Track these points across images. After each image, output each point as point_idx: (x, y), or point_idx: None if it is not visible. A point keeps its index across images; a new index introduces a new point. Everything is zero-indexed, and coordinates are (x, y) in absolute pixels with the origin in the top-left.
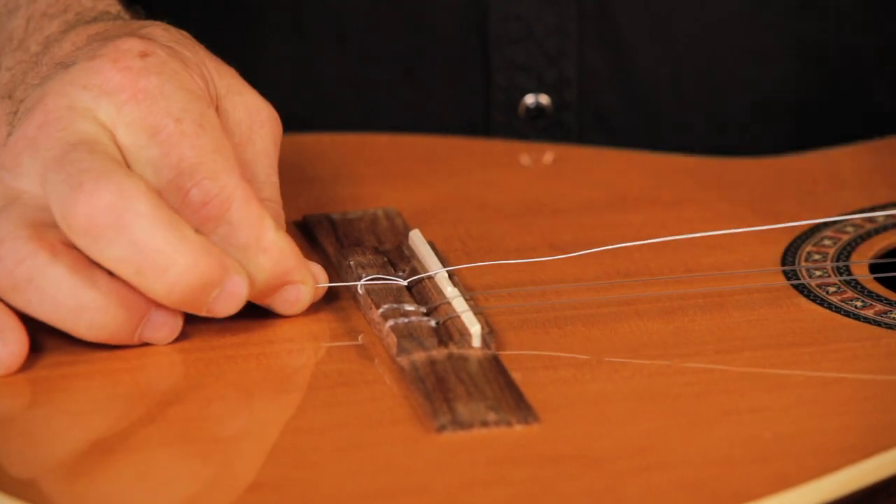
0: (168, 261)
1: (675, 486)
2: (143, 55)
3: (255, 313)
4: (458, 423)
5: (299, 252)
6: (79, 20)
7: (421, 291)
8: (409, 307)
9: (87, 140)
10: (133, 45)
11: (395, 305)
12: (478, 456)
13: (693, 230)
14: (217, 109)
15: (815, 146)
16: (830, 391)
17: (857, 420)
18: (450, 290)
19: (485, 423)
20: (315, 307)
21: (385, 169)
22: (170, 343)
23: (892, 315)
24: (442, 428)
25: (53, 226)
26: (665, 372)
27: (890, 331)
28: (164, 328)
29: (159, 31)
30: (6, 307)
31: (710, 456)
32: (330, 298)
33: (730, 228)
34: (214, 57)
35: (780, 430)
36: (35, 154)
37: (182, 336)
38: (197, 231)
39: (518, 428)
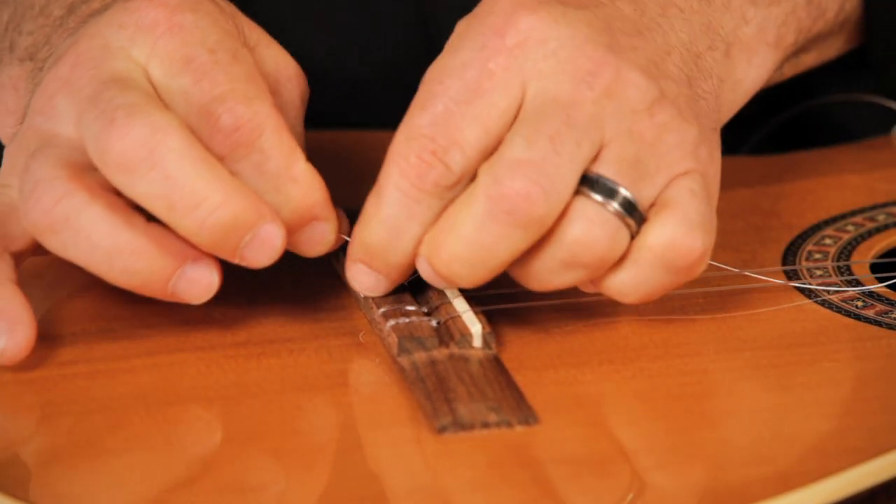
0: (199, 196)
1: (676, 488)
2: None
3: (255, 312)
4: (459, 424)
5: (327, 189)
6: None
7: (422, 291)
8: (410, 307)
9: (120, 77)
10: None
11: (396, 305)
12: (478, 457)
13: None
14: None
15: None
16: (831, 392)
17: (857, 421)
18: (450, 290)
19: (486, 424)
20: (315, 307)
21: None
22: (170, 342)
23: (893, 315)
24: (443, 429)
25: (91, 168)
26: (665, 372)
27: (890, 331)
28: (199, 285)
29: None
30: (23, 297)
31: (710, 457)
32: (330, 298)
33: (731, 227)
34: (245, 16)
35: (781, 430)
36: (70, 94)
37: (183, 335)
38: (227, 157)
39: (519, 429)
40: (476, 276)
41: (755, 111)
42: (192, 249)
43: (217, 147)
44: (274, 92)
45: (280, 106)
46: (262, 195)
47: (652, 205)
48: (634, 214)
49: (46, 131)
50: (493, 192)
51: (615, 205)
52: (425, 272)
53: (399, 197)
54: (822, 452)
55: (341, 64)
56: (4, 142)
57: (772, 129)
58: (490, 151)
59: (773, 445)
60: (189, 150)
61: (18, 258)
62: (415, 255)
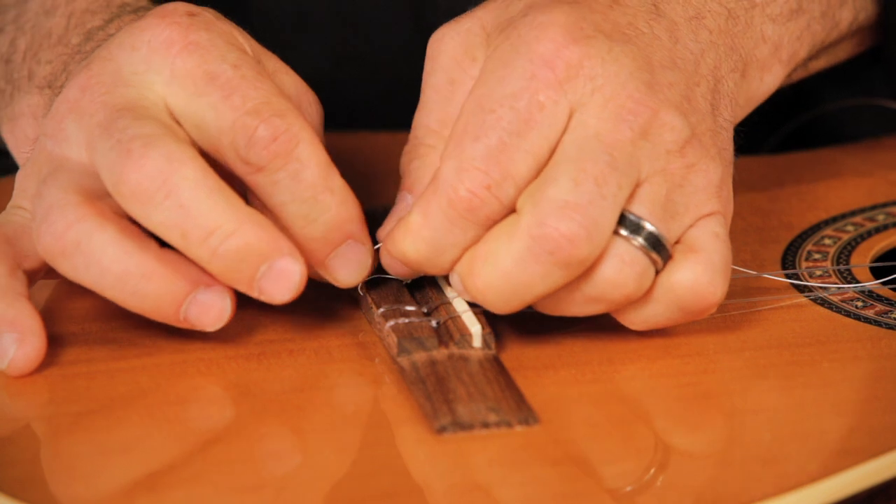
0: (212, 224)
1: (676, 488)
2: (191, 14)
3: (255, 312)
4: (459, 425)
5: (362, 210)
6: (122, 11)
7: (421, 291)
8: (410, 307)
9: (132, 104)
10: (179, 6)
11: (396, 305)
12: (478, 457)
13: None
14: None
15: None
16: (831, 392)
17: (857, 422)
18: (450, 291)
19: (485, 425)
20: (315, 307)
21: (385, 167)
22: (170, 342)
23: (893, 315)
24: (442, 429)
25: (103, 193)
26: (665, 373)
27: (890, 331)
28: (211, 310)
29: (209, 13)
30: (34, 311)
31: (710, 457)
32: (330, 298)
33: (731, 227)
34: (258, 44)
35: (781, 431)
36: (79, 119)
37: (182, 335)
38: (265, 168)
39: (519, 429)
40: (508, 305)
41: (767, 117)
42: (206, 276)
43: (254, 158)
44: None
45: None
46: (300, 205)
47: (677, 242)
48: (662, 253)
49: (57, 156)
50: (537, 233)
51: (645, 243)
52: (457, 286)
53: (445, 223)
54: (821, 453)
55: (341, 72)
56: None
57: (784, 135)
58: (533, 180)
59: (772, 446)
60: (204, 180)
61: (31, 276)
62: (450, 269)
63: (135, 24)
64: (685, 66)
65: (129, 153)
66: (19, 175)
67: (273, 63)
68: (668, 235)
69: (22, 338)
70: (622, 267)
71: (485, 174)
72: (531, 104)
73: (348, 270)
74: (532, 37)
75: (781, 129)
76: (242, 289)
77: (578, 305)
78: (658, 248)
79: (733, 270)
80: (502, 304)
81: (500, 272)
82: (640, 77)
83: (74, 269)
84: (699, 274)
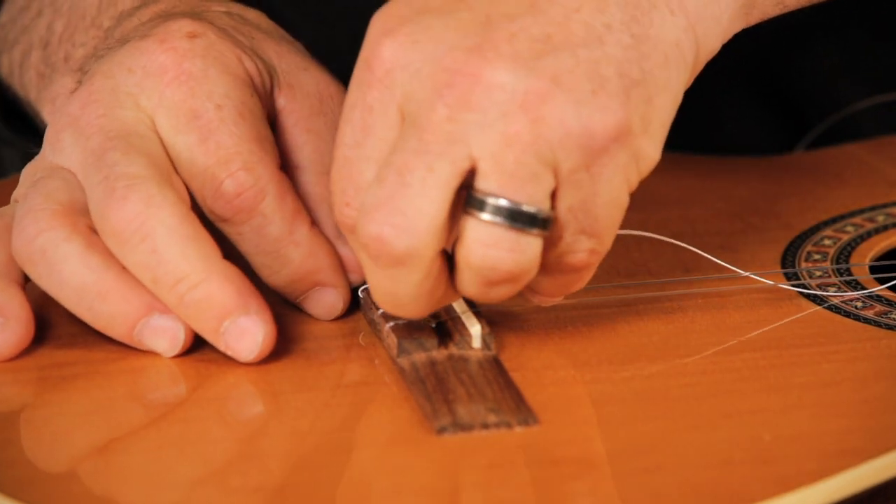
0: (181, 272)
1: (675, 488)
2: (192, 36)
3: None
4: (459, 425)
5: (335, 255)
6: None
7: None
8: None
9: (125, 132)
10: (182, 25)
11: None
12: (478, 458)
13: (694, 229)
14: (284, 86)
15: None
16: (830, 393)
17: (857, 422)
18: None
19: (485, 425)
20: None
21: None
22: None
23: (892, 316)
24: (442, 430)
25: (86, 209)
26: (665, 373)
27: (890, 332)
28: (164, 335)
29: (220, 12)
30: (24, 299)
31: (709, 458)
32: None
33: (731, 227)
34: (279, 39)
35: (780, 431)
36: (76, 136)
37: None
38: (229, 221)
39: (518, 430)
40: (409, 313)
41: (795, 121)
42: (163, 303)
43: (219, 211)
44: (318, 112)
45: (325, 126)
46: (264, 258)
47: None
48: (534, 221)
49: (51, 163)
50: (360, 244)
51: (499, 217)
52: None
53: (360, 255)
54: (820, 453)
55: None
56: None
57: (813, 138)
58: None
59: (772, 446)
60: (179, 228)
61: None
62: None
63: (137, 43)
64: (550, 3)
65: (112, 192)
66: (23, 172)
67: (290, 60)
68: (531, 199)
69: (5, 323)
70: (479, 247)
71: (341, 193)
72: (363, 110)
73: (319, 311)
74: (365, 44)
75: (810, 133)
76: (210, 340)
77: (489, 292)
78: (519, 218)
79: (716, 269)
80: (404, 313)
81: (372, 288)
82: (462, 44)
83: (38, 276)
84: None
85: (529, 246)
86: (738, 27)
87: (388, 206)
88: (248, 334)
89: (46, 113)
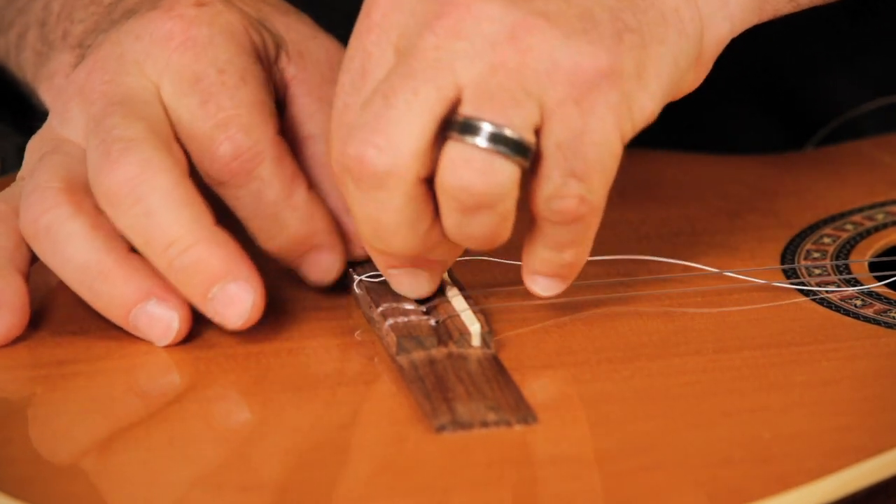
0: (172, 235)
1: (675, 487)
2: (199, 4)
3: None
4: (458, 424)
5: (331, 219)
6: None
7: None
8: (409, 306)
9: (127, 97)
10: None
11: (395, 304)
12: (477, 456)
13: (693, 228)
14: (294, 55)
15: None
16: (830, 391)
17: (856, 420)
18: (449, 289)
19: (484, 424)
20: (315, 306)
21: None
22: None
23: (892, 314)
24: (442, 428)
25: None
26: (665, 372)
27: (889, 330)
28: (159, 323)
29: (220, 3)
30: (23, 288)
31: (709, 456)
32: (330, 297)
33: (730, 226)
34: (286, 10)
35: (780, 430)
36: (82, 103)
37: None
38: (227, 184)
39: (518, 428)
40: (395, 246)
41: (799, 124)
42: (162, 289)
43: (216, 173)
44: (329, 80)
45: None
46: (261, 222)
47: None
48: (512, 145)
49: (58, 135)
50: (339, 167)
51: (480, 140)
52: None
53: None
54: (820, 452)
55: None
56: None
57: (818, 141)
58: None
59: (771, 444)
60: (173, 191)
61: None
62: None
63: (145, 13)
64: None
65: (107, 155)
66: (28, 146)
67: (297, 30)
68: (512, 124)
69: None
70: (453, 167)
71: (339, 139)
72: (362, 57)
73: (316, 275)
74: None
75: (814, 136)
76: (197, 305)
77: (466, 224)
78: (495, 139)
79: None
80: (386, 246)
81: (357, 218)
82: None
83: (43, 253)
84: (546, 182)
85: (503, 169)
86: (750, 20)
87: (371, 127)
88: (236, 300)
89: (43, 90)
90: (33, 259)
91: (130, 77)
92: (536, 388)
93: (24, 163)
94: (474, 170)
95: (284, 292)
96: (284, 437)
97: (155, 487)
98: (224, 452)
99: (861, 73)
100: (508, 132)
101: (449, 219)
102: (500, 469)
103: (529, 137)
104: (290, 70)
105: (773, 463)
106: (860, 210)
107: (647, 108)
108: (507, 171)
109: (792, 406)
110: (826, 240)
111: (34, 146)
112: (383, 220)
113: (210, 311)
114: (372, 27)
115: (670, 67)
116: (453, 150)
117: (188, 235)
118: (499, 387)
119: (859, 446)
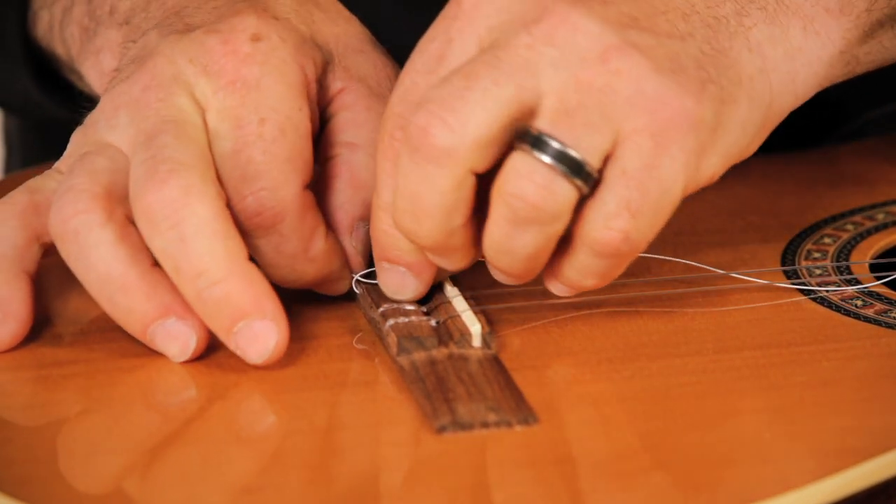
0: (203, 266)
1: (675, 487)
2: (255, 38)
3: None
4: (459, 424)
5: (343, 255)
6: None
7: None
8: (410, 306)
9: (179, 119)
10: (249, 24)
11: (396, 305)
12: (478, 457)
13: (694, 227)
14: (340, 69)
15: None
16: (830, 391)
17: (857, 421)
18: (450, 290)
19: (485, 424)
20: (315, 306)
21: None
22: None
23: (892, 314)
24: (442, 429)
25: (125, 197)
26: (665, 372)
27: (890, 330)
28: (176, 341)
29: (276, 36)
30: (28, 293)
31: (709, 457)
32: (330, 298)
33: (731, 225)
34: (337, 18)
35: (780, 430)
36: (133, 116)
37: None
38: (248, 234)
39: (518, 429)
40: (423, 230)
41: (811, 129)
42: (182, 307)
43: (237, 222)
44: (376, 94)
45: (384, 107)
46: (279, 270)
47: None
48: (576, 168)
49: (102, 137)
50: (405, 135)
51: (546, 157)
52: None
53: (382, 176)
54: (821, 452)
55: None
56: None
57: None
58: None
59: (772, 445)
60: (212, 222)
61: (48, 250)
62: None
63: (203, 36)
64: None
65: (154, 172)
66: (71, 139)
67: (346, 43)
68: (580, 147)
69: (2, 319)
70: (514, 176)
71: (396, 117)
72: (442, 42)
73: (325, 291)
74: None
75: (825, 142)
76: (221, 338)
77: (510, 235)
78: (561, 159)
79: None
80: (418, 229)
81: (398, 194)
82: None
83: (67, 256)
84: (598, 215)
85: (562, 190)
86: (810, 94)
87: (445, 103)
88: (260, 338)
89: (89, 66)
90: (44, 254)
91: (182, 99)
92: (537, 389)
93: (66, 154)
94: (535, 183)
95: (285, 293)
96: (285, 437)
97: (153, 486)
98: (224, 453)
99: (869, 78)
100: (574, 153)
101: (496, 226)
102: (500, 470)
103: (595, 163)
104: (337, 84)
105: (774, 463)
106: (860, 210)
107: (712, 167)
108: (564, 193)
109: (792, 406)
110: (826, 240)
111: (78, 140)
112: (425, 199)
113: (232, 344)
114: (460, 15)
115: (738, 131)
116: (520, 160)
117: (219, 268)
118: (499, 387)
119: (860, 447)
